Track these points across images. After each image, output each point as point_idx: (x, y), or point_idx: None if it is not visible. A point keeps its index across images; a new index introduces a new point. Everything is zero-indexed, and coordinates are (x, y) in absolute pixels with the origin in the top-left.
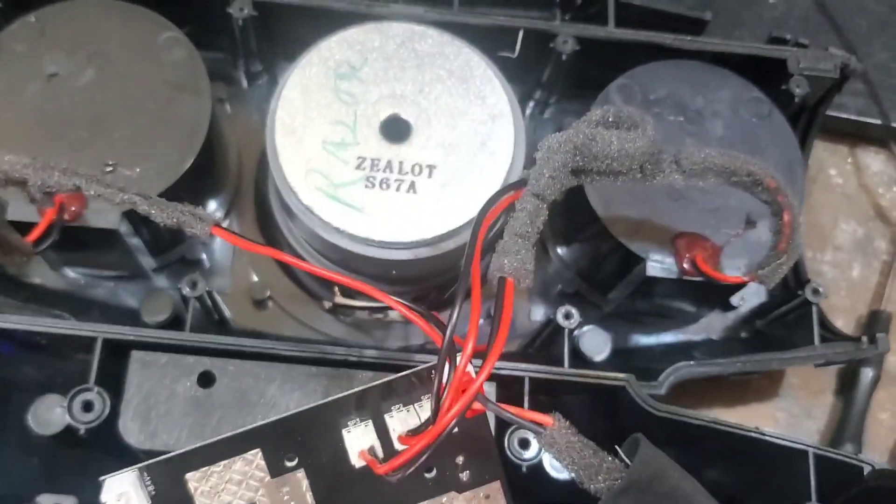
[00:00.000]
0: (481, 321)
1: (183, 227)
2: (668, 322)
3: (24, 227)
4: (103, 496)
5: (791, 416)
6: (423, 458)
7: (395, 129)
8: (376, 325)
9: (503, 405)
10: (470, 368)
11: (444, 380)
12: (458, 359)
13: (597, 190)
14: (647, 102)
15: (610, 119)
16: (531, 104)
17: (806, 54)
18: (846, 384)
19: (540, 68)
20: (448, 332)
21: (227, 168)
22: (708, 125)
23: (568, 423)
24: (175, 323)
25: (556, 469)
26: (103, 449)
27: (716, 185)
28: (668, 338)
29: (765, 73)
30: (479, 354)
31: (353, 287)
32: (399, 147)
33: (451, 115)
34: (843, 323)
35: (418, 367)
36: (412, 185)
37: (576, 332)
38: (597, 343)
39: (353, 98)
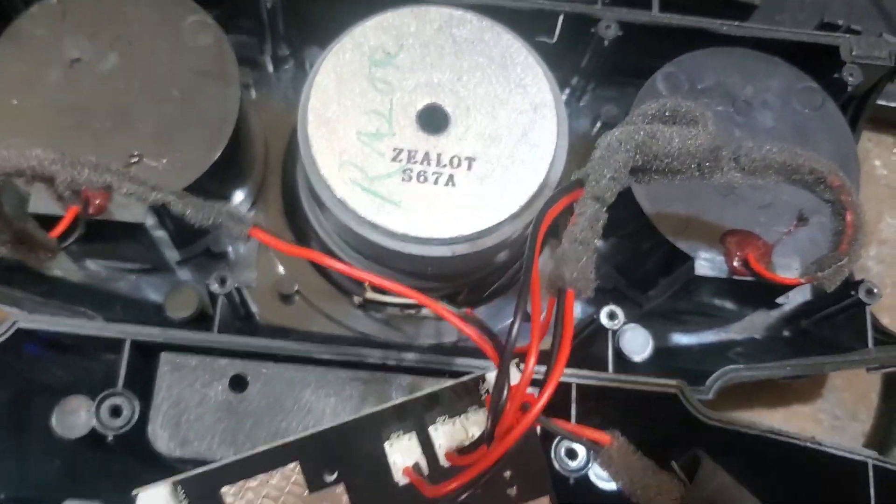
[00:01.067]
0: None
1: (220, 229)
2: (710, 320)
3: (47, 220)
4: None
5: (834, 418)
6: (478, 484)
7: (433, 119)
8: (407, 321)
9: (560, 422)
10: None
11: (502, 400)
12: (515, 377)
13: (644, 186)
14: (695, 92)
15: (667, 113)
16: (567, 91)
17: (859, 41)
18: (892, 386)
19: (579, 54)
20: (507, 351)
21: (254, 156)
22: (757, 116)
23: (626, 440)
24: (200, 319)
25: (602, 479)
26: (130, 453)
27: (776, 182)
28: (709, 336)
29: (815, 61)
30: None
31: (396, 291)
32: (437, 138)
33: (490, 105)
34: (890, 320)
35: (465, 377)
36: (451, 179)
37: (616, 331)
38: (638, 343)
39: (389, 86)
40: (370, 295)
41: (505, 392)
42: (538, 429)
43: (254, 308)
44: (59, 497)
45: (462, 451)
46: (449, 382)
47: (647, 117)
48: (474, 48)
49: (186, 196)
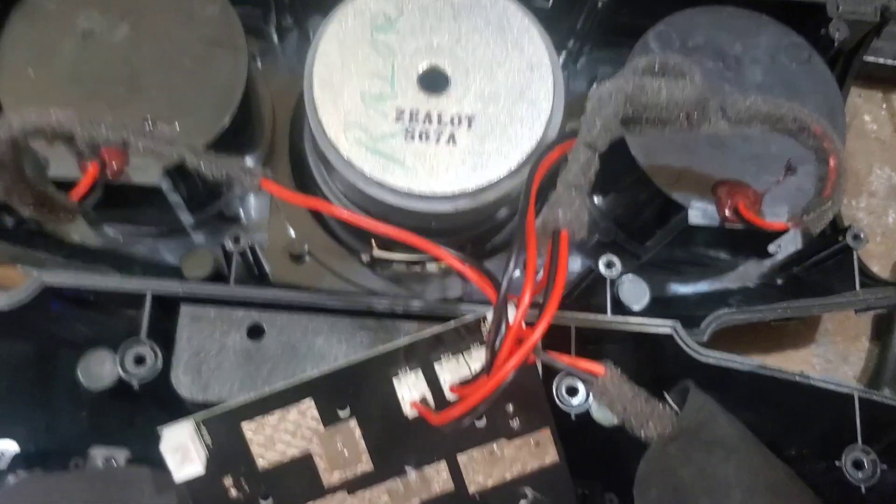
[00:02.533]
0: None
1: (232, 181)
2: (705, 270)
3: (65, 185)
4: (162, 445)
5: (827, 361)
6: (480, 411)
7: (434, 81)
8: (414, 278)
9: (556, 354)
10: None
11: (500, 332)
12: (513, 311)
13: (637, 139)
14: (685, 49)
15: (656, 68)
16: (564, 54)
17: None
18: (882, 329)
19: (574, 17)
20: (504, 284)
21: (262, 123)
22: (747, 71)
23: (619, 371)
24: (215, 279)
25: (603, 416)
26: (153, 402)
27: (762, 131)
28: (704, 286)
29: (803, 18)
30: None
31: (401, 239)
32: (437, 98)
33: (489, 66)
34: (879, 269)
35: (466, 317)
36: (452, 137)
37: (615, 282)
38: (636, 292)
39: (391, 50)
40: (377, 253)
41: (503, 324)
42: (539, 365)
43: (267, 268)
44: (86, 447)
45: (465, 382)
46: (453, 323)
47: (637, 72)
48: (472, 12)
49: (200, 151)
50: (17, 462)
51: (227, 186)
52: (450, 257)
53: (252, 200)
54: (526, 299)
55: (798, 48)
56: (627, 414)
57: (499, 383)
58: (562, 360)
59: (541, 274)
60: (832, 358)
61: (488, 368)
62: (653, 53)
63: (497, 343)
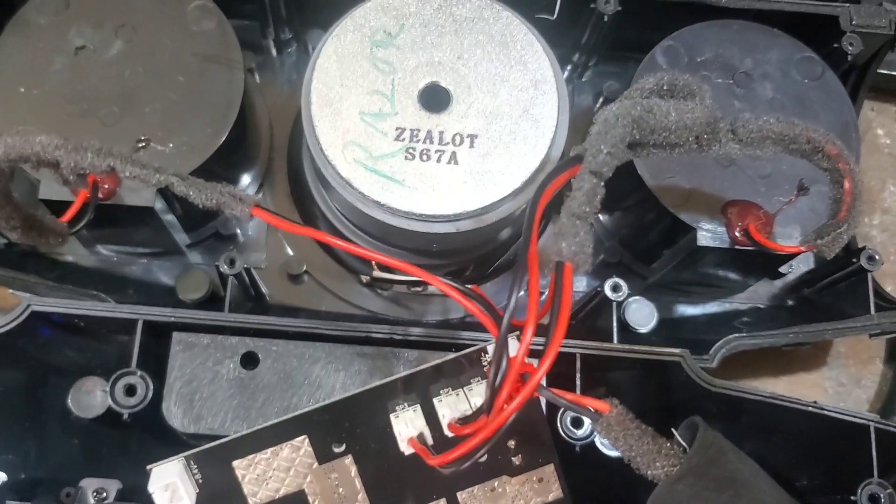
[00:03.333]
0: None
1: (222, 209)
2: (714, 291)
3: (57, 206)
4: (151, 486)
5: (839, 384)
6: (479, 454)
7: (435, 98)
8: (415, 299)
9: (559, 392)
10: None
11: (500, 370)
12: (515, 346)
13: (645, 160)
14: (694, 65)
15: (665, 87)
16: (569, 67)
17: (859, 10)
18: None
19: (579, 30)
20: (504, 322)
21: (260, 140)
22: (757, 87)
23: (625, 408)
24: (211, 300)
25: (608, 447)
26: (145, 431)
27: (774, 153)
28: (713, 307)
29: (815, 31)
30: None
31: (398, 268)
32: (439, 116)
33: (491, 82)
34: (893, 288)
35: (467, 350)
36: (453, 156)
37: (621, 304)
38: (643, 314)
39: (391, 66)
40: (377, 273)
41: (504, 363)
42: (543, 399)
43: (264, 289)
44: (77, 476)
45: (464, 421)
46: (452, 355)
47: (644, 92)
48: (474, 26)
49: (189, 178)
50: (5, 492)
51: (216, 211)
52: (450, 289)
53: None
54: (528, 337)
55: (810, 63)
56: (633, 453)
57: (500, 426)
58: (566, 397)
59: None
60: (845, 381)
61: (488, 409)
62: (661, 72)
63: (498, 381)
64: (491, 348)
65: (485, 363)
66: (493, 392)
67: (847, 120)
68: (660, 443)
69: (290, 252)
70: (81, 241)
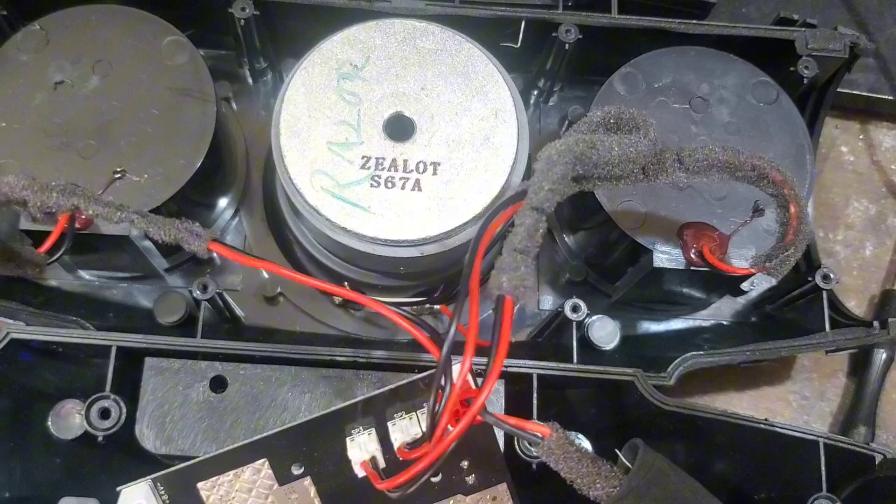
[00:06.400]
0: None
1: (181, 244)
2: (678, 309)
3: (38, 235)
4: None
5: (803, 398)
6: (423, 479)
7: (399, 128)
8: (385, 319)
9: (502, 417)
10: (470, 378)
11: (443, 396)
12: (455, 375)
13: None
14: (652, 91)
15: (611, 121)
16: (535, 93)
17: (815, 34)
18: (859, 366)
19: (543, 57)
20: (445, 350)
21: (236, 166)
22: (714, 111)
23: (565, 433)
24: (189, 322)
25: None
26: (121, 452)
27: (721, 180)
28: (677, 324)
29: (772, 55)
30: (483, 352)
31: (352, 299)
32: (403, 145)
33: (454, 112)
34: (856, 303)
35: (420, 375)
36: (417, 183)
37: (585, 322)
38: (606, 332)
39: (357, 97)
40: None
41: (446, 391)
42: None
43: (238, 311)
44: (59, 495)
45: (412, 445)
46: (406, 379)
47: (592, 125)
48: (437, 58)
49: (148, 215)
50: None
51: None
52: (396, 316)
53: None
54: (466, 366)
55: (765, 87)
56: (573, 475)
57: (443, 451)
58: (508, 422)
59: None
60: (809, 395)
61: (429, 435)
62: (608, 107)
63: (439, 408)
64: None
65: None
66: (434, 418)
67: (801, 142)
68: (599, 465)
69: (266, 275)
70: (64, 266)
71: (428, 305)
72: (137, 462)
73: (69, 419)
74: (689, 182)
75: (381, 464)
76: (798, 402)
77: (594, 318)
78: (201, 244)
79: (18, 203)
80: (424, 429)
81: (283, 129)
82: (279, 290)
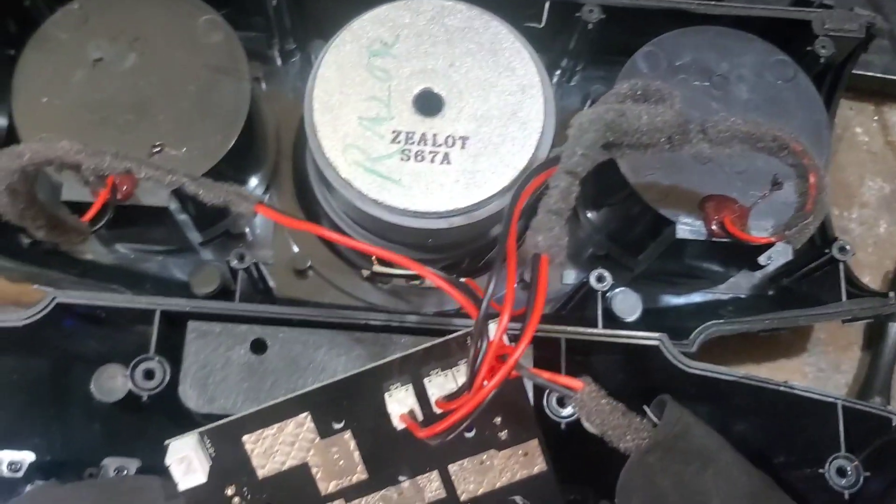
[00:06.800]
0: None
1: (229, 206)
2: (697, 282)
3: (78, 207)
4: (168, 458)
5: (819, 370)
6: (461, 427)
7: (428, 103)
8: (413, 292)
9: (537, 371)
10: (505, 338)
11: (480, 351)
12: (494, 330)
13: (627, 159)
14: (673, 69)
15: (638, 93)
16: (558, 73)
17: (831, 15)
18: (874, 338)
19: (566, 37)
20: (483, 306)
21: (266, 145)
22: (733, 89)
23: (598, 386)
24: (223, 294)
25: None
26: (163, 413)
27: (742, 151)
28: (696, 297)
29: (790, 36)
30: (517, 318)
31: (390, 259)
32: (432, 120)
33: (481, 88)
34: (870, 279)
35: (455, 334)
36: (446, 157)
37: (608, 295)
38: (628, 304)
39: (387, 74)
40: (377, 268)
41: (482, 345)
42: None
43: (271, 283)
44: (99, 458)
45: (449, 398)
46: (441, 339)
47: (619, 97)
48: (465, 36)
49: (199, 178)
50: (32, 472)
51: (224, 209)
52: (434, 276)
53: (257, 219)
54: (504, 320)
55: (783, 66)
56: (605, 427)
57: (479, 402)
58: (542, 376)
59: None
60: (824, 367)
61: (469, 386)
62: (634, 79)
63: (478, 361)
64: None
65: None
66: (473, 371)
67: (818, 118)
68: (630, 418)
69: (296, 249)
70: (101, 240)
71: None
72: (174, 427)
73: (112, 382)
74: (712, 152)
75: (419, 417)
76: (814, 374)
77: (617, 290)
78: (248, 206)
79: (72, 166)
80: (460, 385)
81: (316, 105)
82: (309, 263)
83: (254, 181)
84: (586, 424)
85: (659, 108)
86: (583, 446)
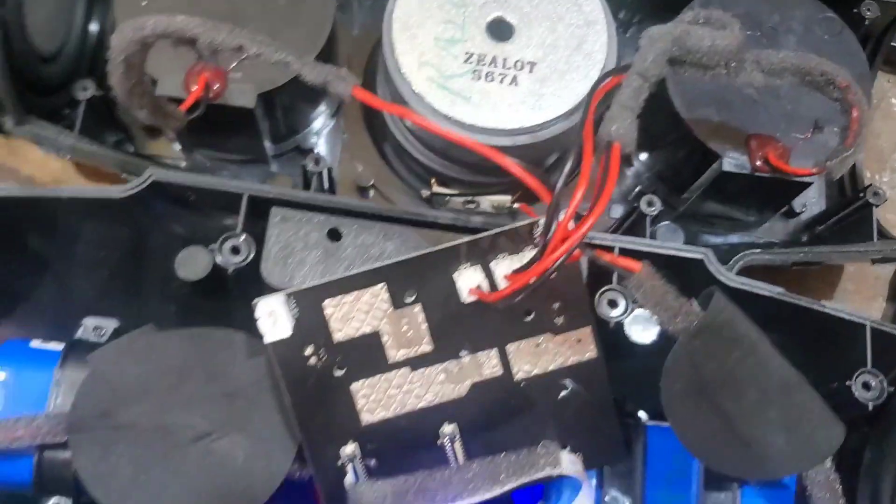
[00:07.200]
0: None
1: (328, 86)
2: (735, 224)
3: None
4: (257, 312)
5: None
6: (529, 289)
7: (500, 30)
8: (469, 214)
9: (600, 252)
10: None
11: (553, 224)
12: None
13: (681, 94)
14: None
15: (701, 20)
16: (615, 24)
17: None
18: None
19: None
20: (560, 182)
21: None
22: (781, 40)
23: (654, 269)
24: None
25: (635, 332)
26: (241, 293)
27: (792, 83)
28: (734, 238)
29: None
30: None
31: (468, 145)
32: (503, 45)
33: (550, 20)
34: None
35: (522, 223)
36: (514, 79)
37: (652, 229)
38: (671, 237)
39: (463, 0)
40: (436, 188)
41: (555, 217)
42: (584, 270)
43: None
44: None
45: (517, 271)
46: (508, 226)
47: (685, 22)
48: None
49: (303, 57)
50: (115, 337)
51: (322, 90)
52: (510, 163)
53: (324, 139)
54: (579, 195)
55: (831, 22)
56: (659, 307)
57: (547, 268)
58: (605, 257)
59: None
60: None
61: (540, 254)
62: (698, 8)
63: (550, 233)
64: (542, 221)
65: (536, 234)
66: (546, 240)
67: (861, 72)
68: (682, 301)
69: (360, 168)
70: (182, 144)
71: (508, 204)
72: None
73: (195, 261)
74: (764, 81)
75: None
76: None
77: (660, 224)
78: (346, 87)
79: (189, 40)
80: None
81: (395, 24)
82: (372, 181)
83: (323, 105)
84: (629, 331)
85: (721, 32)
86: (625, 350)
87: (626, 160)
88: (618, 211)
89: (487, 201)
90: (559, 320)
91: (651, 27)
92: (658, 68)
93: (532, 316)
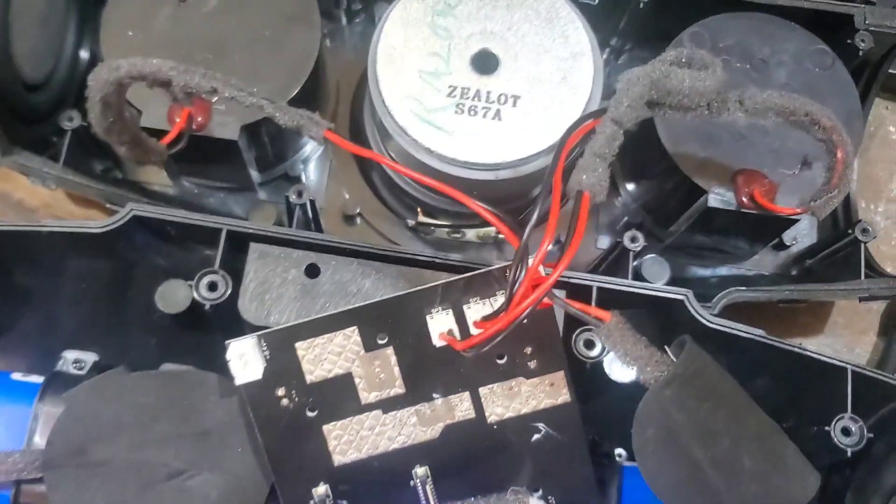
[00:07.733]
0: (552, 248)
1: (301, 130)
2: (723, 256)
3: (155, 134)
4: (228, 354)
5: (834, 352)
6: (497, 339)
7: (485, 62)
8: (453, 244)
9: (569, 301)
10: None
11: (520, 274)
12: (532, 259)
13: (667, 128)
14: (716, 50)
15: (683, 60)
16: (606, 51)
17: (873, 11)
18: (889, 326)
19: (617, 17)
20: (527, 230)
21: (328, 96)
22: (772, 73)
23: (624, 319)
24: None
25: (615, 371)
26: (220, 327)
27: (776, 123)
28: (722, 271)
29: (831, 28)
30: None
31: (439, 189)
32: (488, 78)
33: (536, 52)
34: (893, 271)
35: (496, 266)
36: (498, 113)
37: (637, 261)
38: (656, 270)
39: (448, 33)
40: (421, 218)
41: (521, 268)
42: (559, 316)
43: (323, 223)
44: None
45: (486, 318)
46: (486, 269)
47: (666, 62)
48: (524, 3)
49: (276, 101)
50: (95, 371)
51: (297, 134)
52: (480, 208)
53: (312, 165)
54: (544, 246)
55: (822, 55)
56: (628, 357)
57: (514, 318)
58: (574, 305)
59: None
60: (839, 349)
61: (506, 306)
62: (681, 48)
63: (516, 284)
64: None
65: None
66: (511, 291)
67: (851, 107)
68: (651, 350)
69: (347, 195)
70: (169, 172)
71: (493, 235)
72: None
73: (175, 295)
74: (747, 122)
75: (458, 336)
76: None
77: (647, 257)
78: (319, 131)
79: (163, 83)
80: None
81: (380, 57)
82: (358, 210)
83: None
84: (608, 370)
85: (702, 74)
86: (603, 389)
87: (614, 189)
88: (604, 242)
89: (472, 232)
90: (532, 364)
91: (629, 70)
92: (634, 113)
93: (505, 359)
